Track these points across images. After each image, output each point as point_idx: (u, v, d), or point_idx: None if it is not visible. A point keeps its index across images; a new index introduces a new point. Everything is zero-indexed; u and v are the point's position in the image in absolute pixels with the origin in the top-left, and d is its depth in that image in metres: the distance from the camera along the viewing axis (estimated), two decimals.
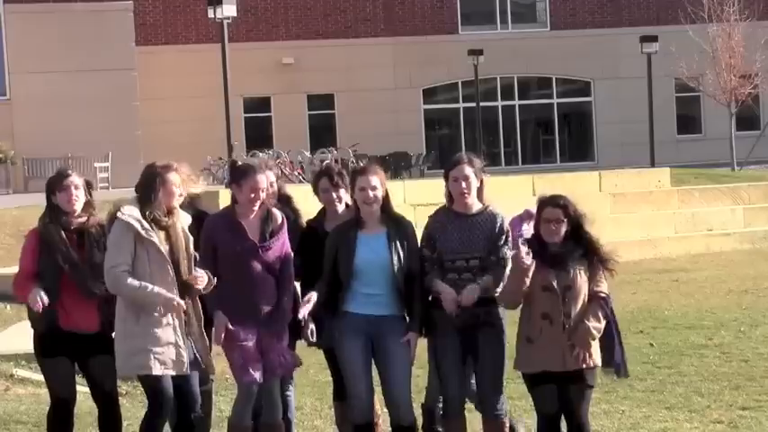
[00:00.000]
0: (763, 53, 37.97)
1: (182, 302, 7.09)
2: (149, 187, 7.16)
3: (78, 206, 7.47)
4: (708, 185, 26.85)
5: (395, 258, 7.25)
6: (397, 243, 7.28)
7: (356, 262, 7.26)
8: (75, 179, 7.51)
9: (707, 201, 25.48)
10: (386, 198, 7.38)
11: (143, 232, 7.03)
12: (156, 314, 7.03)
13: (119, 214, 7.11)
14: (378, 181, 7.33)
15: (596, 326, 6.99)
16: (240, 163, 7.83)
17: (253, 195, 7.32)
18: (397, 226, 7.36)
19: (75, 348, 7.42)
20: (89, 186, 7.64)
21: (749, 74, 37.76)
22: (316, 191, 7.98)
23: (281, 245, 7.46)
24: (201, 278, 7.12)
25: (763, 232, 24.19)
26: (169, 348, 7.02)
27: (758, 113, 42.91)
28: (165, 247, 7.09)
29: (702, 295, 16.34)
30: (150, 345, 7.01)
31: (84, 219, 7.48)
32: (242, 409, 7.49)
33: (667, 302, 15.61)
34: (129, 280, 7.00)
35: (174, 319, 7.06)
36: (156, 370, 7.05)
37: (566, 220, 7.04)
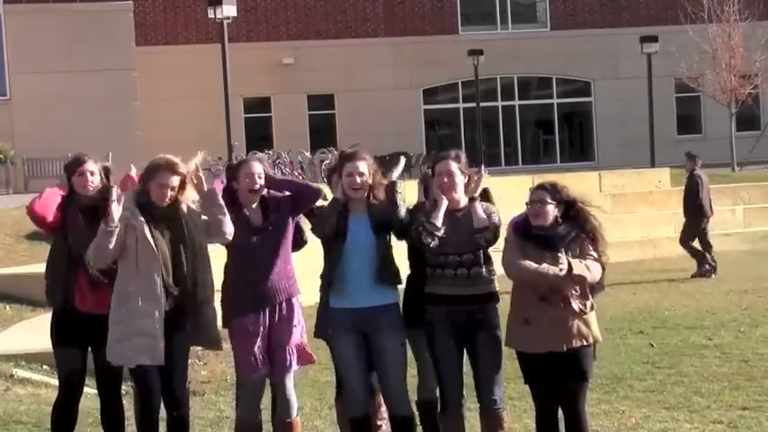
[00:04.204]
0: (763, 53, 38.00)
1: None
2: (145, 176, 7.20)
3: (93, 192, 7.50)
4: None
5: (378, 243, 7.21)
6: (381, 228, 7.23)
7: (345, 246, 7.23)
8: (91, 166, 7.56)
9: None
10: (373, 185, 7.34)
11: (127, 213, 7.02)
12: (137, 303, 6.99)
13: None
14: (365, 167, 7.32)
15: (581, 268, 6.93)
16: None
17: (248, 180, 7.35)
18: (382, 211, 7.29)
19: (90, 332, 7.37)
20: (107, 172, 7.69)
21: (749, 74, 37.79)
22: (330, 184, 7.99)
23: (284, 223, 7.39)
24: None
25: (763, 232, 24.21)
26: (145, 338, 6.98)
27: (758, 113, 42.91)
28: (157, 238, 7.05)
29: (702, 295, 16.34)
30: (129, 334, 6.99)
31: (98, 197, 7.47)
32: (251, 406, 7.41)
33: (667, 302, 15.61)
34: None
35: (154, 310, 7.01)
36: (134, 360, 7.03)
37: (553, 203, 7.04)
